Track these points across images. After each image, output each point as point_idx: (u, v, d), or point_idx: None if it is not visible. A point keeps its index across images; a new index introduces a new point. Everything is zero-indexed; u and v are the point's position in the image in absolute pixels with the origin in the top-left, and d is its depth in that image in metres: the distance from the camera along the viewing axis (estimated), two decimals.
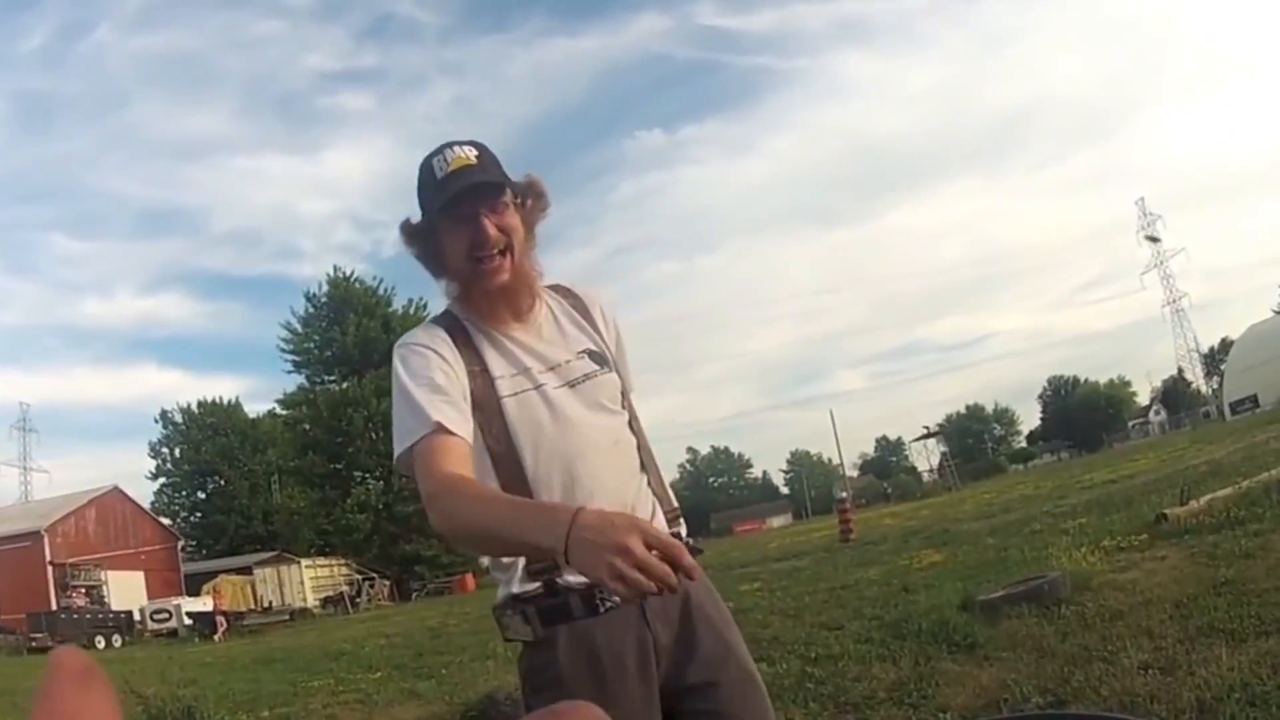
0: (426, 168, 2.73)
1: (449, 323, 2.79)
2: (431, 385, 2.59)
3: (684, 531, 2.83)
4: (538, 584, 2.59)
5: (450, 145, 2.73)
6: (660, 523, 2.72)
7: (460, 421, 2.54)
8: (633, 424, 2.89)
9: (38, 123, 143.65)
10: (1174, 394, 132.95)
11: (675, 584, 1.92)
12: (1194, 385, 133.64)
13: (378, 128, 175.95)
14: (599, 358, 2.86)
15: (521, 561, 2.60)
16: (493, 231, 2.65)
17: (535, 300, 2.86)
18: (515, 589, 2.64)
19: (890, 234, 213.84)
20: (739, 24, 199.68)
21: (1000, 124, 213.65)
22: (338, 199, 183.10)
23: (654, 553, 1.90)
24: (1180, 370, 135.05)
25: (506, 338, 2.77)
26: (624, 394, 2.91)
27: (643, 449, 2.86)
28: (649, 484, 2.83)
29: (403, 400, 2.63)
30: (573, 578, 2.50)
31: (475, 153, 2.72)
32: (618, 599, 2.28)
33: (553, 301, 2.95)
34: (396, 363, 2.70)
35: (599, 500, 2.49)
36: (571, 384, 2.75)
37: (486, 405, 2.65)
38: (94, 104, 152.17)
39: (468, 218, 2.63)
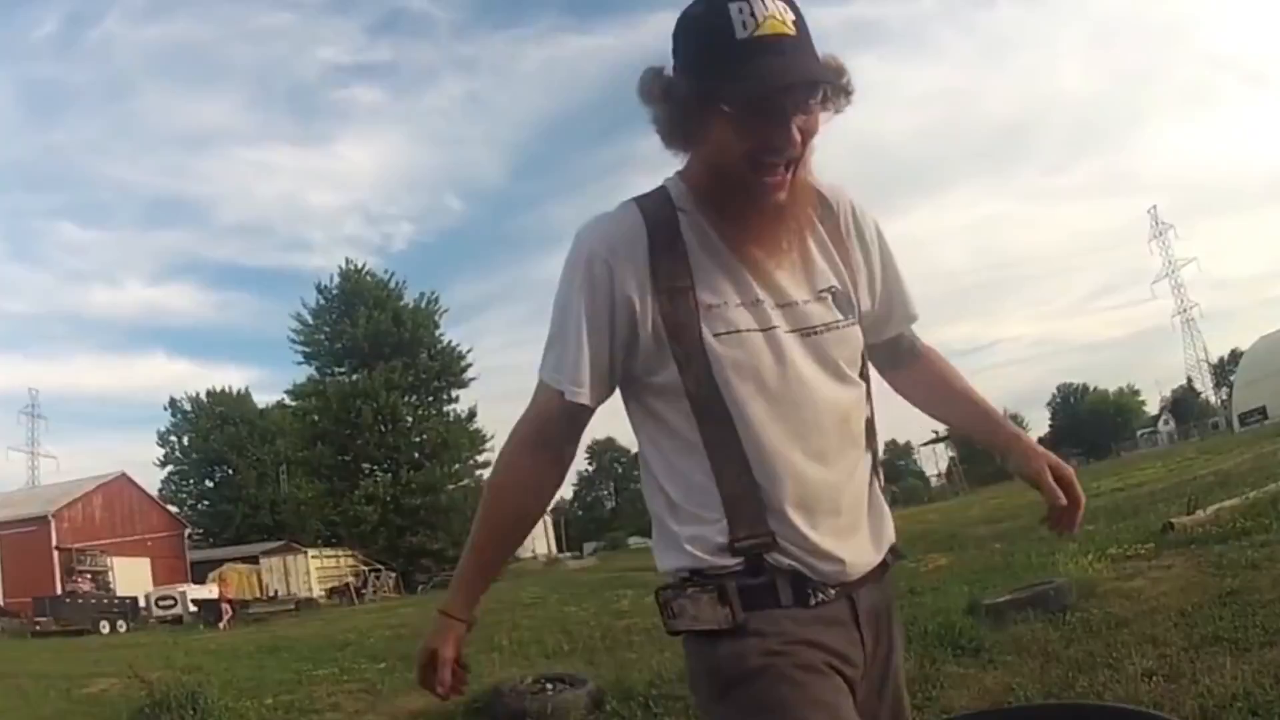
0: (718, 11, 2.04)
1: (658, 213, 2.23)
2: (589, 334, 2.19)
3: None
4: (738, 559, 2.12)
5: None
6: (879, 535, 2.34)
7: (595, 392, 2.23)
8: (868, 387, 2.40)
9: (47, 111, 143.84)
10: (1183, 404, 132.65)
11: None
12: (1203, 396, 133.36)
13: (389, 121, 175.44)
14: (844, 302, 2.29)
15: (720, 524, 2.14)
16: (796, 139, 2.08)
17: (800, 229, 2.27)
18: (701, 562, 2.16)
19: (898, 238, 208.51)
20: None
21: (1009, 129, 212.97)
22: (348, 192, 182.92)
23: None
24: (1189, 380, 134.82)
25: (735, 252, 2.20)
26: (864, 358, 2.37)
27: (872, 432, 2.38)
28: (876, 483, 2.39)
29: (556, 323, 2.26)
30: (784, 558, 2.12)
31: (791, 15, 2.06)
32: (829, 593, 2.16)
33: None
34: (568, 265, 2.24)
35: (817, 497, 2.16)
36: (805, 333, 2.21)
37: (686, 339, 2.14)
38: (103, 93, 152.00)
39: (769, 112, 2.04)
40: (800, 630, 2.12)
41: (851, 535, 2.24)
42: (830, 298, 2.26)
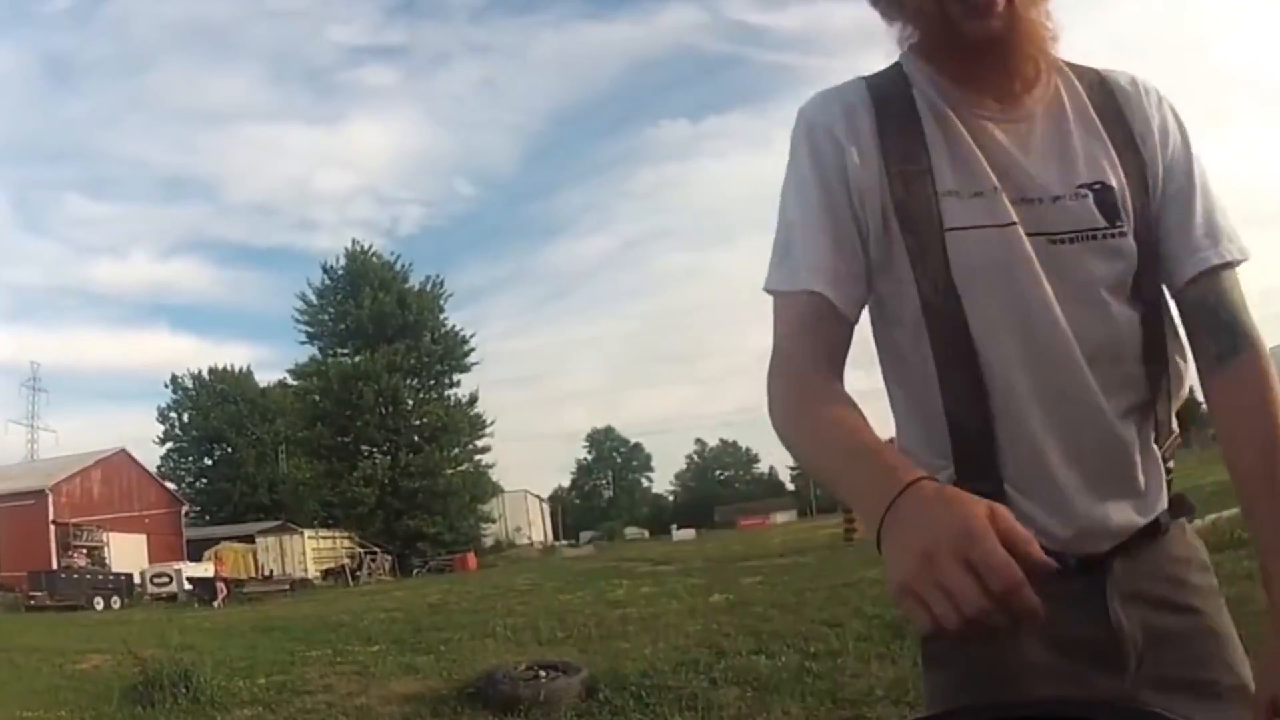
0: None
1: (889, 88, 1.87)
2: (825, 214, 1.78)
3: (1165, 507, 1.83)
4: None
5: None
6: (1147, 504, 1.80)
7: (846, 285, 1.75)
8: (1152, 320, 1.82)
9: (62, 82, 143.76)
10: (1184, 415, 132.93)
11: (991, 627, 1.21)
12: (1204, 407, 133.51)
13: (402, 104, 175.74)
14: (1109, 205, 1.76)
15: (948, 472, 1.77)
16: None
17: (1040, 73, 1.82)
18: None
19: None
20: (768, 19, 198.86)
21: None
22: (358, 173, 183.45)
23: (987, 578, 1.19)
24: (1190, 390, 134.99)
25: (974, 130, 1.79)
26: (1146, 272, 1.79)
27: (1156, 375, 1.88)
28: (1154, 436, 1.88)
29: (784, 214, 1.86)
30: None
31: None
32: (1068, 562, 1.63)
33: (1066, 89, 1.86)
34: (791, 148, 1.88)
35: (1056, 446, 1.74)
36: (1051, 238, 1.74)
37: (921, 228, 1.76)
38: (119, 66, 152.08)
39: None
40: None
41: (1097, 494, 1.75)
42: (1091, 196, 1.76)
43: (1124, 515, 1.76)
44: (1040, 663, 1.70)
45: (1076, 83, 1.86)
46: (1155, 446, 1.86)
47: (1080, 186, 1.75)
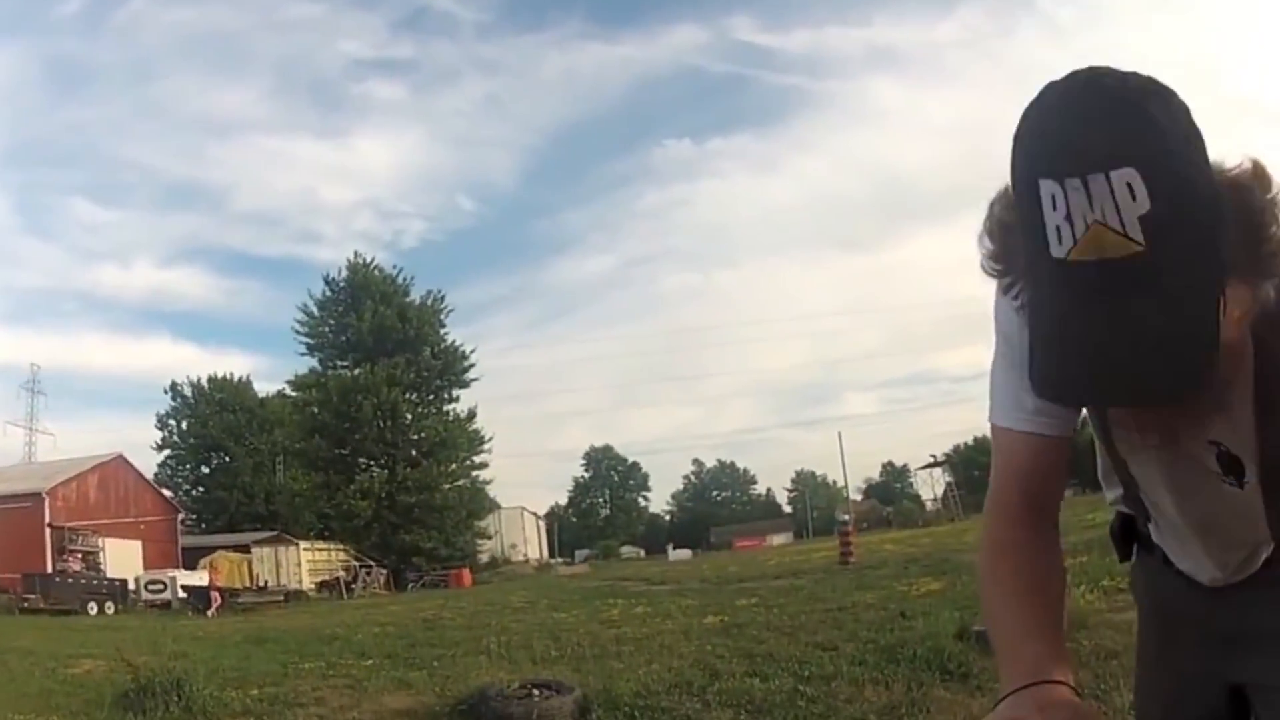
0: (1028, 179, 1.37)
1: None
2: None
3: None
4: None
5: (1076, 166, 1.31)
6: None
7: (1055, 425, 1.78)
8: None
9: (69, 88, 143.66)
10: None
11: None
12: None
13: (407, 119, 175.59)
14: (1229, 462, 1.80)
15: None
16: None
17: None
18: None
19: (908, 263, 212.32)
20: (774, 41, 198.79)
21: None
22: (362, 187, 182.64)
23: None
24: None
25: None
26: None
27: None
28: None
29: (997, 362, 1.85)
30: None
31: (1143, 207, 1.29)
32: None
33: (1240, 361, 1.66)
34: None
35: (1203, 544, 1.99)
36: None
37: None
38: (127, 73, 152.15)
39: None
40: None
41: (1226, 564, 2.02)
42: (1213, 452, 1.79)
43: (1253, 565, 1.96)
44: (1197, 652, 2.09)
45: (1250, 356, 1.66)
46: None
47: (1209, 442, 1.77)
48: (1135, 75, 1.39)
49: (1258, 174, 1.46)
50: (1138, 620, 2.38)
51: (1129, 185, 1.27)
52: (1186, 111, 1.39)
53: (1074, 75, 1.41)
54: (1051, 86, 1.42)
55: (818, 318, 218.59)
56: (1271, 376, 1.65)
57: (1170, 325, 1.31)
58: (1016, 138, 1.42)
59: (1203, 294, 1.33)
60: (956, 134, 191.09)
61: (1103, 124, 1.31)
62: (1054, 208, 1.32)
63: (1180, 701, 2.16)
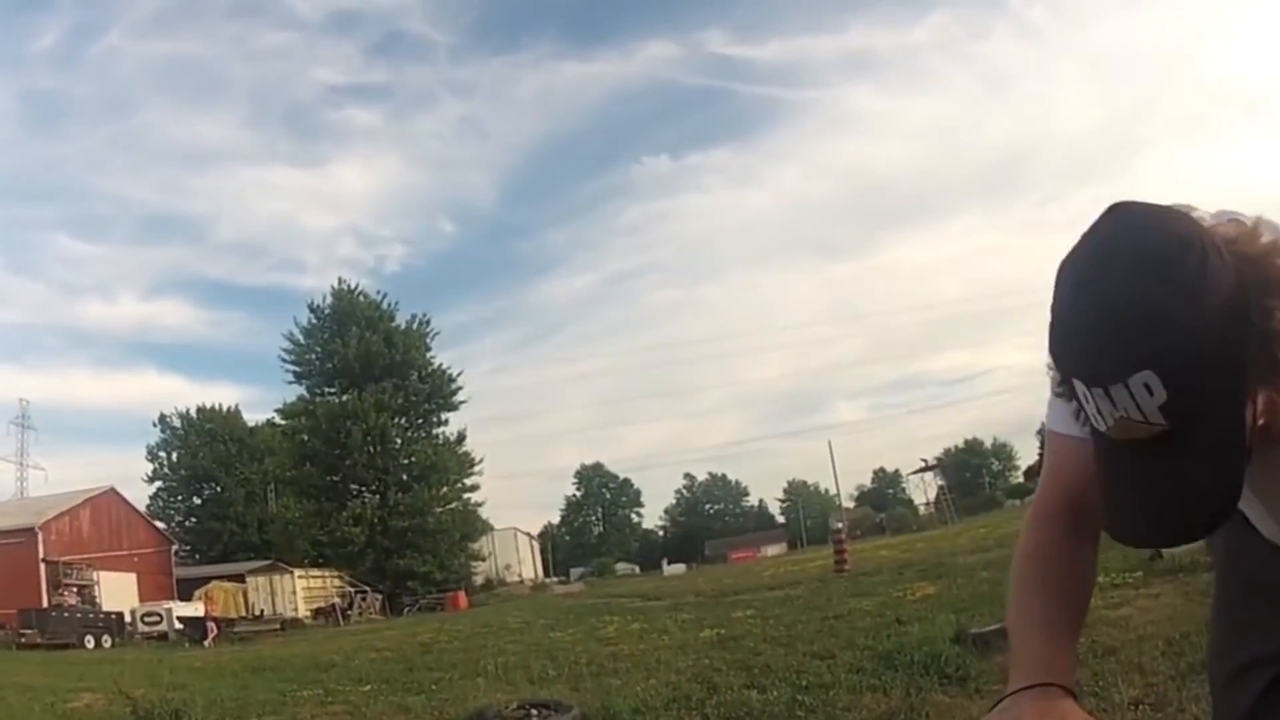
0: (1066, 382, 1.54)
1: None
2: None
3: None
4: None
5: (1096, 378, 1.45)
6: None
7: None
8: None
9: (46, 123, 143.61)
10: None
11: None
12: None
13: (385, 144, 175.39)
14: None
15: None
16: None
17: None
18: None
19: (891, 268, 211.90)
20: (748, 53, 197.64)
21: (1002, 161, 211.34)
22: (342, 213, 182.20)
23: None
24: None
25: None
26: None
27: None
28: None
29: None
30: None
31: (1161, 397, 1.39)
32: None
33: None
34: None
35: None
36: None
37: None
38: (102, 107, 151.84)
39: None
40: None
41: None
42: None
43: None
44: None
45: None
46: None
47: None
48: (1138, 232, 1.48)
49: (1258, 271, 1.47)
50: (1215, 585, 2.34)
51: (1146, 385, 1.39)
52: (1191, 262, 1.43)
53: (1095, 258, 1.50)
54: (1074, 264, 1.54)
55: (802, 326, 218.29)
56: None
57: (1202, 476, 1.44)
58: (1051, 309, 1.55)
59: (1230, 430, 1.43)
60: (933, 135, 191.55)
61: (1116, 337, 1.41)
62: (1087, 399, 1.48)
63: (1252, 670, 2.08)
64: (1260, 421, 1.47)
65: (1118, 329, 1.41)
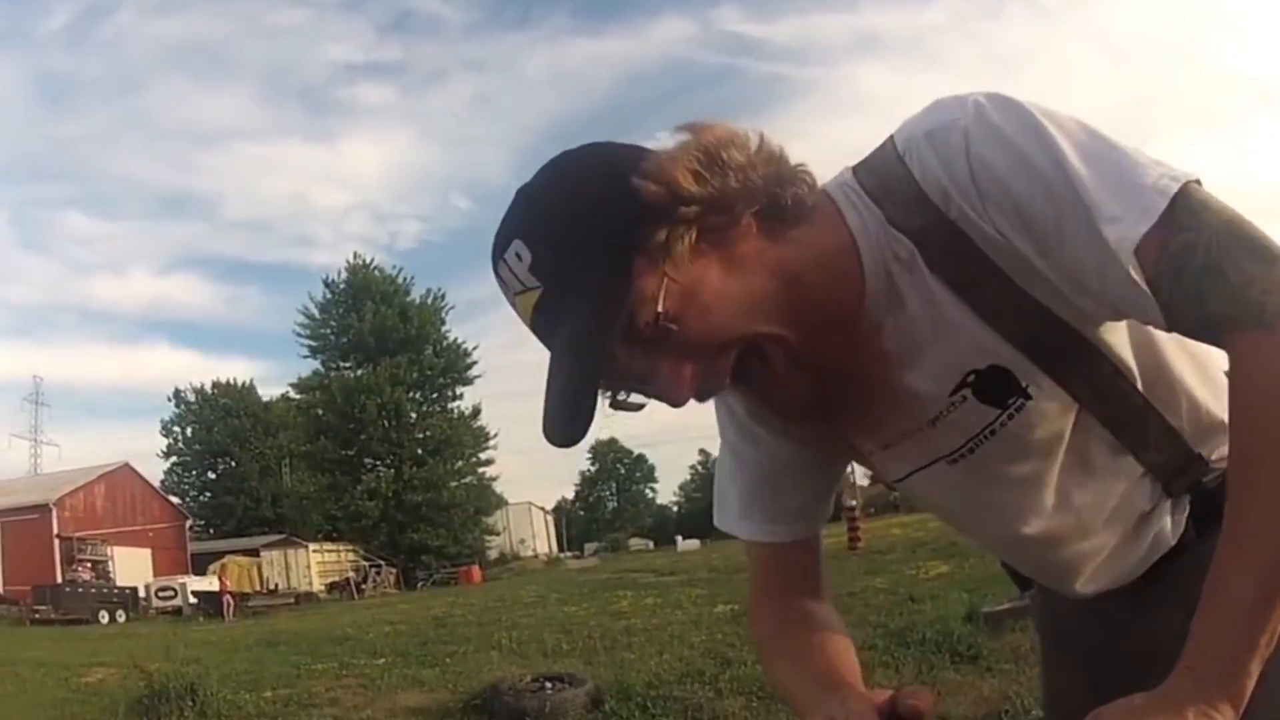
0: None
1: None
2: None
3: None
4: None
5: (494, 255, 1.48)
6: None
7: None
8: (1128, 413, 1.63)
9: (57, 102, 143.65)
10: None
11: None
12: None
13: (397, 121, 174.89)
14: (994, 383, 1.56)
15: None
16: (666, 389, 1.47)
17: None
18: None
19: None
20: (761, 31, 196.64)
21: None
22: (355, 190, 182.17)
23: None
24: None
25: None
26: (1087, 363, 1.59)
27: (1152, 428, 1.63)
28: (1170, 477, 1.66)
29: None
30: None
31: (526, 259, 1.43)
32: None
33: (896, 309, 1.58)
34: None
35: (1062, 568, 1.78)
36: (950, 458, 1.68)
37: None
38: (113, 86, 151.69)
39: None
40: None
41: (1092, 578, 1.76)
42: (968, 396, 1.57)
43: (1132, 568, 1.70)
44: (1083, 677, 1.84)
45: (919, 264, 1.50)
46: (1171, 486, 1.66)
47: (953, 394, 1.57)
48: (564, 154, 1.54)
49: (691, 142, 1.41)
50: (1042, 665, 2.23)
51: (516, 253, 1.43)
52: (588, 158, 1.51)
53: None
54: None
55: None
56: (956, 257, 1.48)
57: (578, 332, 1.40)
58: None
59: (602, 289, 1.38)
60: None
61: (501, 219, 1.49)
62: (506, 299, 1.51)
63: None
64: (663, 306, 1.36)
65: (508, 213, 1.49)
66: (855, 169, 1.57)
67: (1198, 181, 1.37)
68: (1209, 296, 1.31)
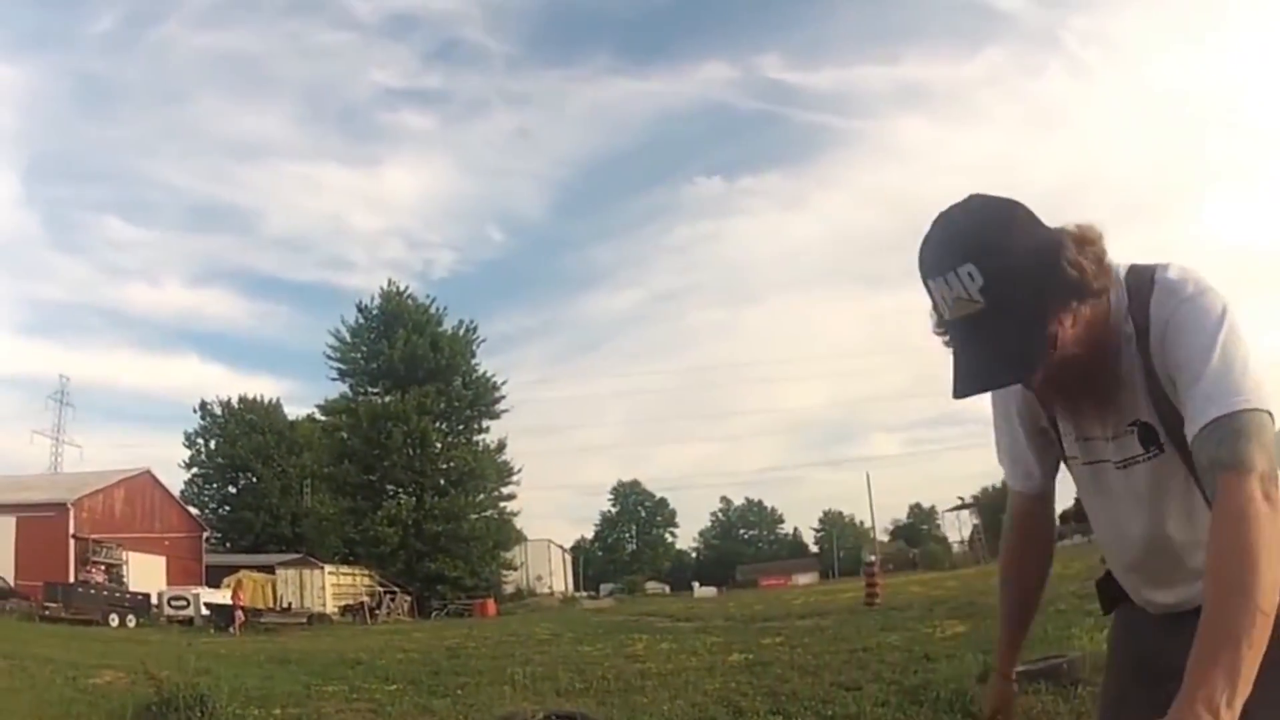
0: (925, 286, 2.28)
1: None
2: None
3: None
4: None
5: (937, 270, 2.20)
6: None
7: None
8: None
9: (100, 105, 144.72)
10: None
11: None
12: None
13: (437, 149, 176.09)
14: (1149, 434, 2.44)
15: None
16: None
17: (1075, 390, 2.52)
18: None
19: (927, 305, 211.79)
20: (803, 79, 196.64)
21: (1049, 200, 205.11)
22: (391, 215, 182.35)
23: None
24: None
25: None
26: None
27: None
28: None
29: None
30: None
31: (978, 281, 2.14)
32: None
33: (1126, 360, 2.41)
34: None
35: (1144, 574, 2.66)
36: (1118, 465, 2.53)
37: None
38: (156, 94, 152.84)
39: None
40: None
41: (1166, 587, 2.60)
42: (1134, 432, 2.45)
43: (1183, 596, 2.48)
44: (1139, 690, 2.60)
45: (1133, 346, 2.37)
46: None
47: (1129, 425, 2.45)
48: (978, 199, 2.26)
49: (1077, 236, 2.26)
50: (1104, 673, 3.05)
51: (969, 273, 2.14)
52: (1011, 213, 2.24)
53: (942, 212, 2.26)
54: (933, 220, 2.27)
55: (844, 356, 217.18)
56: (1146, 354, 2.34)
57: (1009, 344, 2.16)
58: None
59: (1032, 318, 2.18)
60: (982, 172, 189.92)
61: (952, 241, 2.20)
62: (935, 292, 2.23)
63: None
64: (1071, 329, 2.24)
65: (953, 237, 2.20)
66: (1132, 264, 2.42)
67: (1269, 414, 2.14)
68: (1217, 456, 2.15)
